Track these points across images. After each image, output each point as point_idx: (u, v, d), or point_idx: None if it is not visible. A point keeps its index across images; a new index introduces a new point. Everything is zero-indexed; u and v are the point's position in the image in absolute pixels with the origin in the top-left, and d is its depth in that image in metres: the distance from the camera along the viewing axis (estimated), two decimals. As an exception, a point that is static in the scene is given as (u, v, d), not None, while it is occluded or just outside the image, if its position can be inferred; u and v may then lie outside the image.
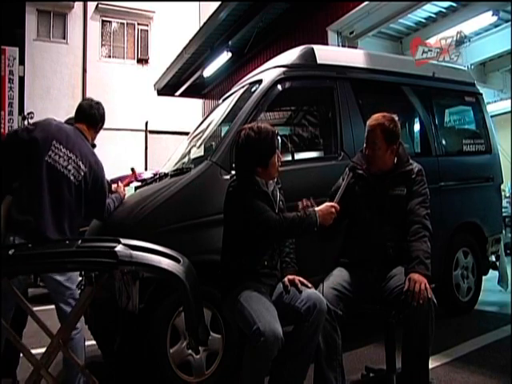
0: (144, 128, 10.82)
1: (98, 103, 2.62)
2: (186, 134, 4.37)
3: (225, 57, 7.76)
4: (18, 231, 2.20)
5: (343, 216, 2.31)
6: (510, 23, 6.74)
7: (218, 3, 6.96)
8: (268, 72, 3.25)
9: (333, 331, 2.14)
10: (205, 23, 7.71)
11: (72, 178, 2.33)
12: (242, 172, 2.19)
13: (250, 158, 2.14)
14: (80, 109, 2.57)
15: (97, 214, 2.58)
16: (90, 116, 2.55)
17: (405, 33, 7.60)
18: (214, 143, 3.26)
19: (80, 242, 1.94)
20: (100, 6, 14.10)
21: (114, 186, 2.77)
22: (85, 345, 2.34)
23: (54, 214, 2.27)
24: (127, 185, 2.92)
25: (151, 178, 3.36)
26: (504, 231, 6.43)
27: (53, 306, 2.33)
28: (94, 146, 2.60)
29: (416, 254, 2.19)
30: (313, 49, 3.35)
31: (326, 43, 6.01)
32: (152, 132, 10.87)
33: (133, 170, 3.16)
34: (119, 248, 1.81)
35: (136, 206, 2.59)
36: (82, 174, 2.36)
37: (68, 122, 2.58)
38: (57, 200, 2.29)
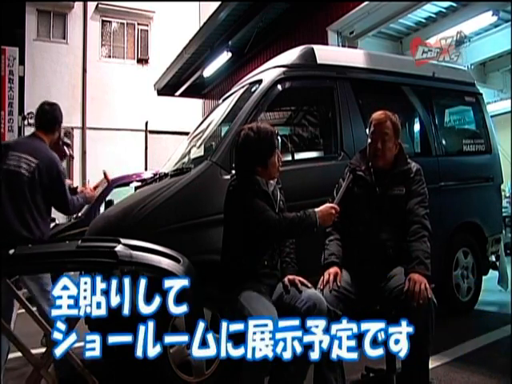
0: (144, 128, 10.81)
1: (52, 105, 2.85)
2: (186, 134, 4.37)
3: (225, 57, 7.75)
4: None
5: (343, 216, 2.31)
6: (510, 23, 6.73)
7: (218, 3, 6.95)
8: (268, 72, 3.25)
9: (333, 331, 2.13)
10: (205, 23, 7.71)
11: (24, 171, 2.58)
12: (242, 171, 2.19)
13: (249, 158, 2.14)
14: (36, 116, 2.85)
15: (60, 206, 2.75)
16: (44, 123, 2.80)
17: (405, 33, 7.59)
18: (214, 143, 3.26)
19: (80, 241, 1.94)
20: (100, 6, 14.07)
21: (79, 189, 3.00)
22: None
23: (13, 207, 2.53)
24: (95, 188, 3.02)
25: (151, 178, 3.36)
26: (504, 231, 6.43)
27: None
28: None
29: (416, 254, 2.19)
30: (313, 49, 3.35)
31: (326, 43, 6.00)
32: (152, 132, 10.87)
33: (104, 173, 3.16)
34: (119, 248, 1.82)
35: (136, 206, 2.59)
36: (34, 165, 2.59)
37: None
38: (13, 194, 2.55)
